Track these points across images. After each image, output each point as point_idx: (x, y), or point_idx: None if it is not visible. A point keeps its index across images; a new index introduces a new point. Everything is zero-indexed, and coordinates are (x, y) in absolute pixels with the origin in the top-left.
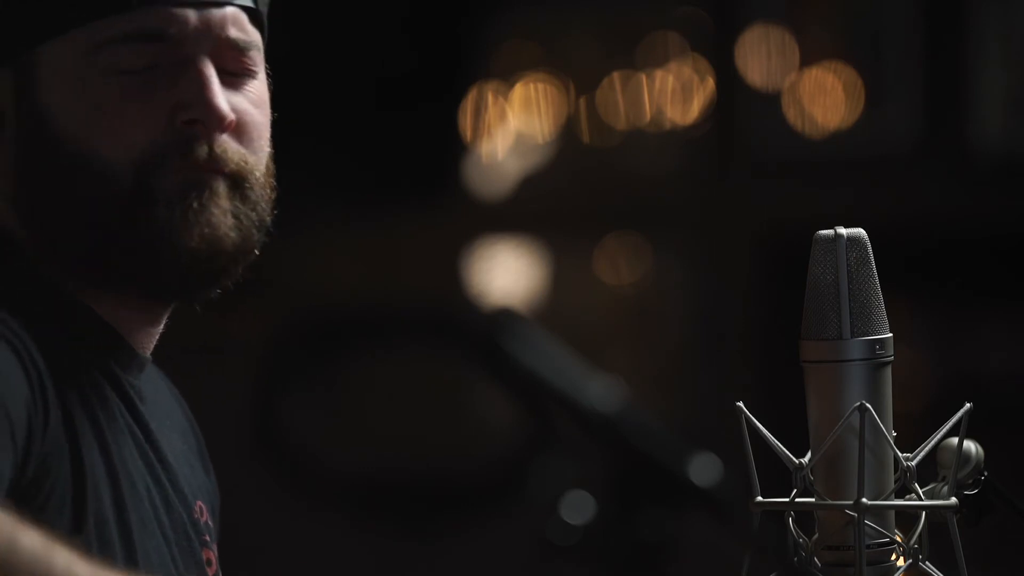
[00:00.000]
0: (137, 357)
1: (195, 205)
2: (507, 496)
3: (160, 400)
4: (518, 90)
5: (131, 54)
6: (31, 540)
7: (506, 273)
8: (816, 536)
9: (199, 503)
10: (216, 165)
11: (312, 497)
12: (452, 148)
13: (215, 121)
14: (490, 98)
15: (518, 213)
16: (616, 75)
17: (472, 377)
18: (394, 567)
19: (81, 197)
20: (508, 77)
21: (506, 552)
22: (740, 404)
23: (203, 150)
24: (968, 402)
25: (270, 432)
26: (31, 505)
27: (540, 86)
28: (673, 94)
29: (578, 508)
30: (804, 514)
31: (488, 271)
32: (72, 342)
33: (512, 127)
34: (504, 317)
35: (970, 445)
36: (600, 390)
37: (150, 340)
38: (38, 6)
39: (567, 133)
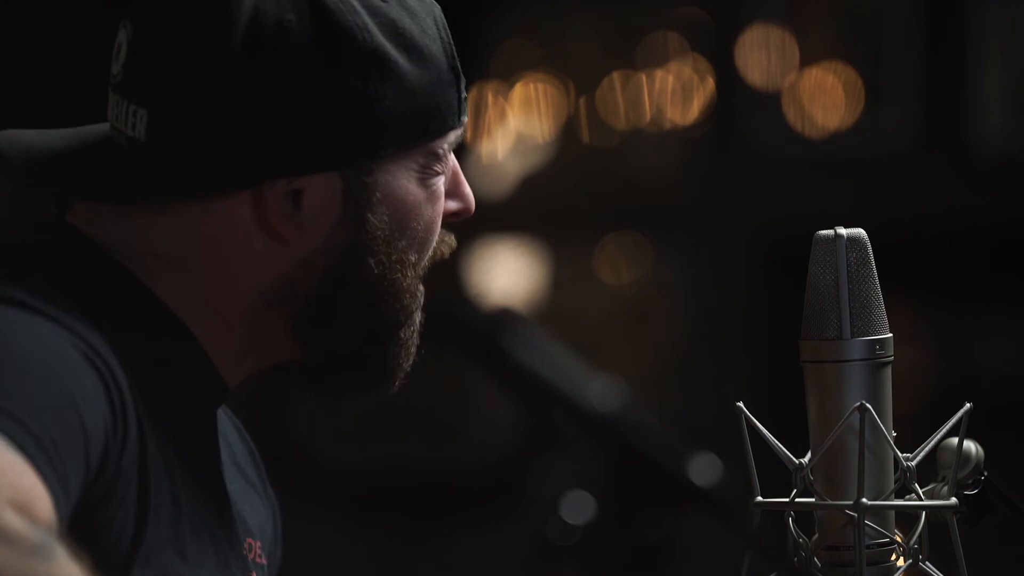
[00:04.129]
0: (223, 388)
1: (419, 322)
2: (507, 496)
3: (226, 431)
4: (518, 90)
5: (443, 173)
6: None
7: (506, 273)
8: (816, 536)
9: (249, 540)
10: None
11: (312, 497)
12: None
13: (465, 215)
14: (490, 98)
15: (518, 213)
16: (616, 75)
17: (472, 377)
18: (394, 567)
19: (381, 308)
20: (508, 77)
21: (506, 552)
22: (740, 404)
23: None
24: (968, 402)
25: (270, 432)
26: (95, 523)
27: (540, 86)
28: (673, 94)
29: (578, 508)
30: (804, 514)
31: (488, 271)
32: (159, 363)
33: (512, 127)
34: (504, 317)
35: (970, 445)
36: (600, 390)
37: (242, 375)
38: (386, 115)
39: (567, 133)
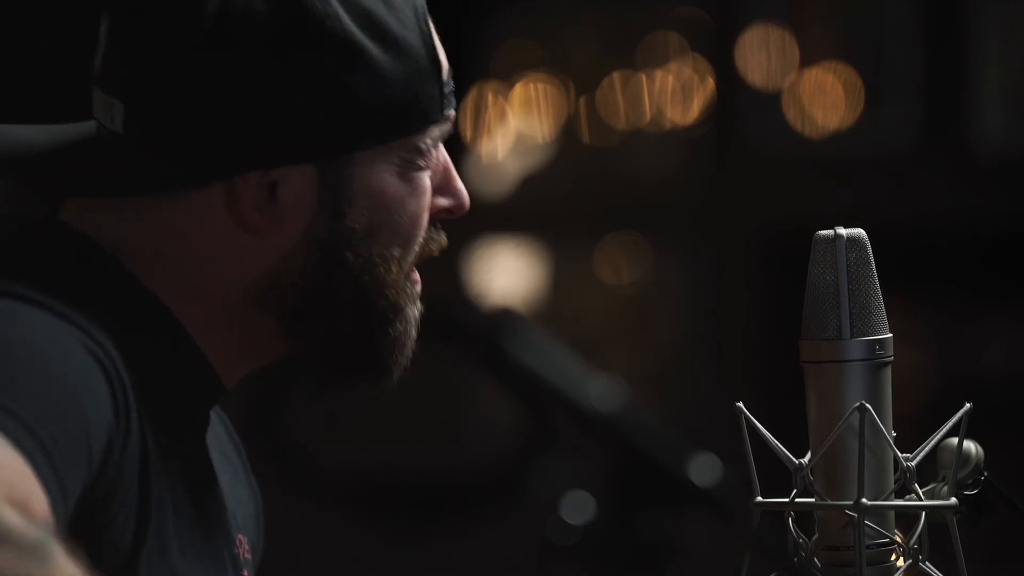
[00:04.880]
0: (220, 388)
1: (414, 316)
2: (507, 496)
3: (213, 422)
4: (518, 90)
5: (428, 167)
6: None
7: (506, 273)
8: (816, 536)
9: (240, 536)
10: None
11: (312, 497)
12: (452, 148)
13: (459, 213)
14: (490, 98)
15: (518, 213)
16: (616, 75)
17: (472, 377)
18: (394, 567)
19: (367, 303)
20: (508, 77)
21: (506, 552)
22: (740, 404)
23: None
24: (968, 402)
25: (270, 432)
26: (97, 522)
27: (540, 86)
28: (673, 94)
29: (578, 508)
30: (804, 514)
31: (488, 271)
32: (159, 361)
33: (512, 127)
34: (504, 317)
35: (970, 445)
36: (600, 390)
37: (238, 376)
38: (361, 107)
39: (567, 133)
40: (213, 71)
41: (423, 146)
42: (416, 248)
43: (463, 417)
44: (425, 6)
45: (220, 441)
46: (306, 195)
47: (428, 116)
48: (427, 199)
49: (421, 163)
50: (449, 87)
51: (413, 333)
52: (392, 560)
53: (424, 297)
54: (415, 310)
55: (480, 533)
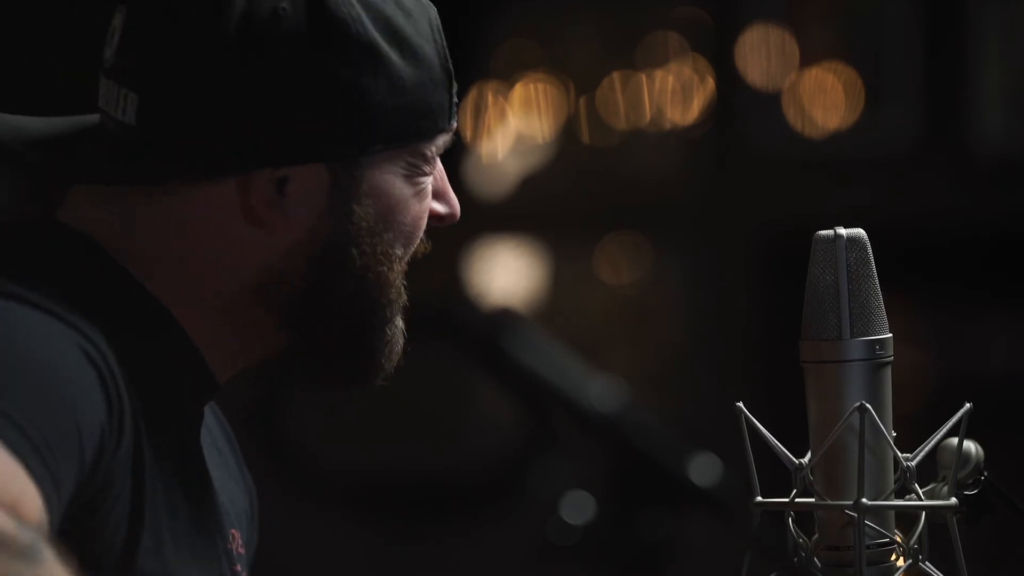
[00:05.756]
0: (214, 384)
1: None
2: (507, 496)
3: (207, 418)
4: (518, 90)
5: (431, 174)
6: None
7: (506, 273)
8: (816, 536)
9: (233, 531)
10: None
11: (312, 497)
12: (452, 148)
13: (449, 221)
14: (490, 98)
15: (518, 213)
16: (616, 75)
17: (472, 377)
18: (394, 567)
19: (369, 302)
20: (508, 77)
21: (506, 552)
22: (740, 404)
23: None
24: (968, 402)
25: (270, 432)
26: (91, 521)
27: (540, 86)
28: (673, 94)
29: (578, 508)
30: (804, 514)
31: (488, 271)
32: (154, 359)
33: (512, 127)
34: (504, 317)
35: (970, 445)
36: (600, 390)
37: (232, 372)
38: (376, 111)
39: (567, 133)
40: (234, 67)
41: (429, 153)
42: (413, 248)
43: (463, 417)
44: (438, 17)
45: (214, 435)
46: (316, 192)
47: (438, 124)
48: (428, 203)
49: (427, 169)
50: (457, 100)
51: (402, 341)
52: (392, 560)
53: (424, 297)
54: (401, 320)
55: (480, 533)
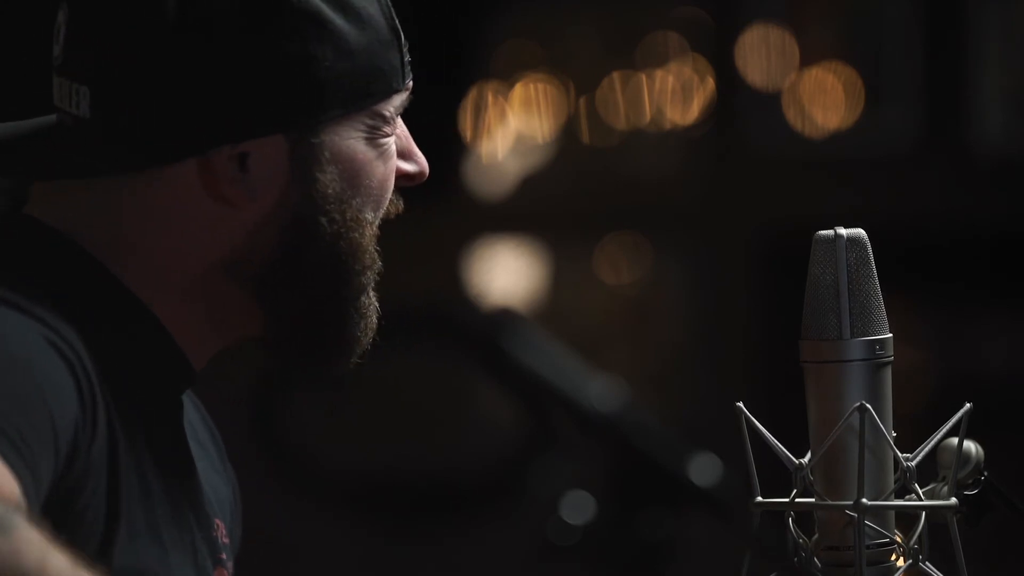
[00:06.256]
0: (191, 371)
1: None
2: (507, 496)
3: (187, 409)
4: (518, 90)
5: (392, 134)
6: (60, 562)
7: (506, 273)
8: (816, 536)
9: (217, 520)
10: None
11: (312, 497)
12: (452, 148)
13: (419, 180)
14: (490, 98)
15: (518, 213)
16: (616, 75)
17: (472, 377)
18: (394, 567)
19: (343, 269)
20: (508, 77)
21: (506, 552)
22: (740, 404)
23: None
24: (968, 402)
25: (270, 432)
26: (67, 514)
27: (540, 86)
28: (673, 94)
29: (578, 508)
30: (804, 514)
31: (488, 271)
32: (128, 350)
33: (512, 127)
34: (504, 317)
35: (970, 445)
36: (600, 390)
37: (208, 356)
38: (326, 76)
39: (567, 133)
40: (181, 49)
41: (387, 113)
42: (383, 211)
43: (463, 417)
44: None
45: (195, 428)
46: (278, 164)
47: (391, 84)
48: (394, 163)
49: (387, 129)
50: (408, 57)
51: (376, 314)
52: (392, 560)
53: (424, 297)
54: (375, 295)
55: (480, 533)
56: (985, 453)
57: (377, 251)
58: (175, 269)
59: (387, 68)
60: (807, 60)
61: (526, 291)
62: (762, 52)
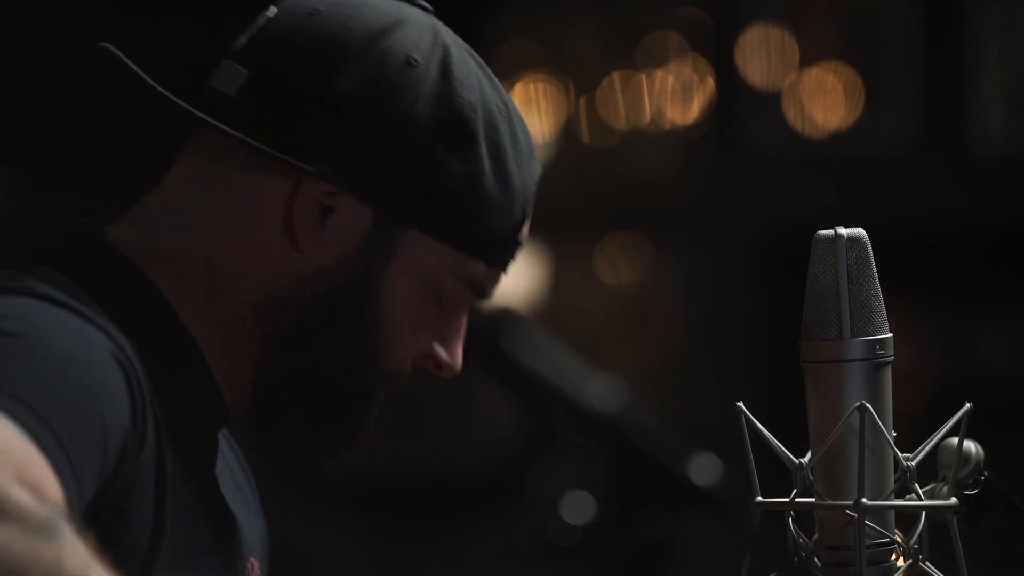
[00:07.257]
0: (226, 409)
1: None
2: (507, 496)
3: (222, 447)
4: (518, 90)
5: (458, 294)
6: None
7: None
8: (816, 536)
9: (252, 559)
10: None
11: (312, 497)
12: None
13: (446, 372)
14: None
15: None
16: (616, 75)
17: (472, 377)
18: (394, 567)
19: (358, 367)
20: (508, 77)
21: (506, 552)
22: (740, 404)
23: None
24: (968, 402)
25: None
26: (113, 524)
27: (540, 86)
28: (673, 94)
29: (578, 508)
30: (804, 514)
31: None
32: (175, 381)
33: None
34: (504, 317)
35: (970, 445)
36: (600, 390)
37: (232, 394)
38: (445, 188)
39: (567, 133)
40: (349, 85)
41: (464, 271)
42: (396, 352)
43: (463, 417)
44: (535, 186)
45: (229, 465)
46: (353, 234)
47: (489, 252)
48: (438, 319)
49: (458, 286)
50: (515, 252)
51: (369, 417)
52: (392, 560)
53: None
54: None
55: (480, 533)
56: (985, 453)
57: (405, 371)
58: (220, 293)
59: (496, 237)
60: (807, 60)
61: (526, 291)
62: (762, 52)
